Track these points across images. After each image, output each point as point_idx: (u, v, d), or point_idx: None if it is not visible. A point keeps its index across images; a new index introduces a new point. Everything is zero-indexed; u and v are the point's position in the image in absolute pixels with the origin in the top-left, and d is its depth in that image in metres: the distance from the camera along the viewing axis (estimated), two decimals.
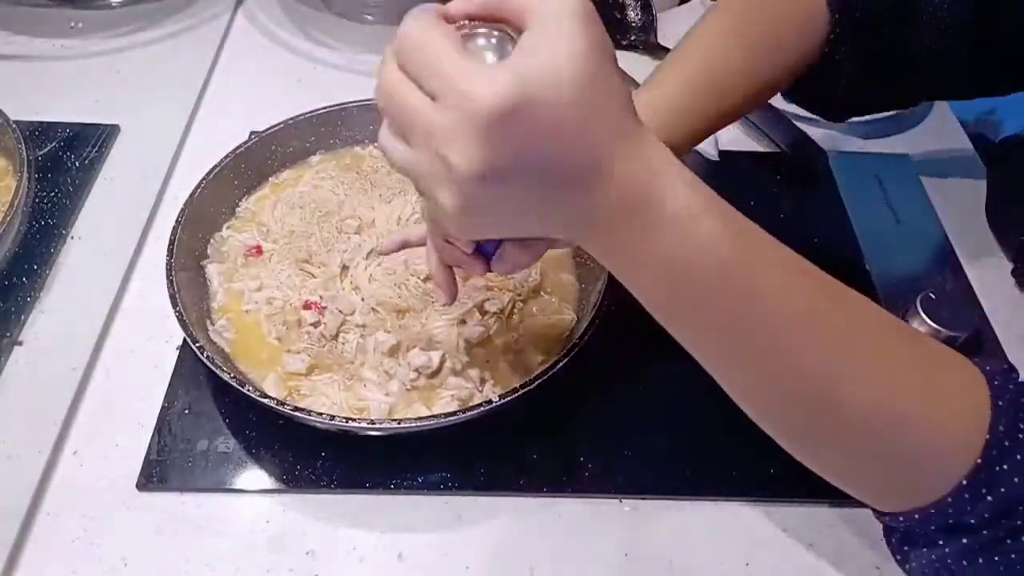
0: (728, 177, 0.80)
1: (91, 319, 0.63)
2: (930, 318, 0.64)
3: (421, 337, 0.59)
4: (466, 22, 0.36)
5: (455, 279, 0.52)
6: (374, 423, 0.52)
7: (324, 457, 0.56)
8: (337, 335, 0.60)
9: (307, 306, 0.61)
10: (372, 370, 0.58)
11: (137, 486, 0.54)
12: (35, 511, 0.53)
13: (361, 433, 0.53)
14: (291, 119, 0.70)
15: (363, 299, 0.62)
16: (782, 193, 0.78)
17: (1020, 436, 0.36)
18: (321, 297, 0.61)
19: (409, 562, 0.52)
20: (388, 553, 0.52)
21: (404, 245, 0.58)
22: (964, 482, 0.36)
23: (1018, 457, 0.36)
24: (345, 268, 0.64)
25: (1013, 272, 0.70)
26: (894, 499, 0.41)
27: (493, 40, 0.36)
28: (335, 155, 0.74)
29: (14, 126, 0.69)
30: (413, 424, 0.52)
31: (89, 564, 0.51)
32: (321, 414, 0.51)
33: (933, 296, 0.65)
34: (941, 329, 0.64)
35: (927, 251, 0.75)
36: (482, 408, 0.51)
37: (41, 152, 0.74)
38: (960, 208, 0.77)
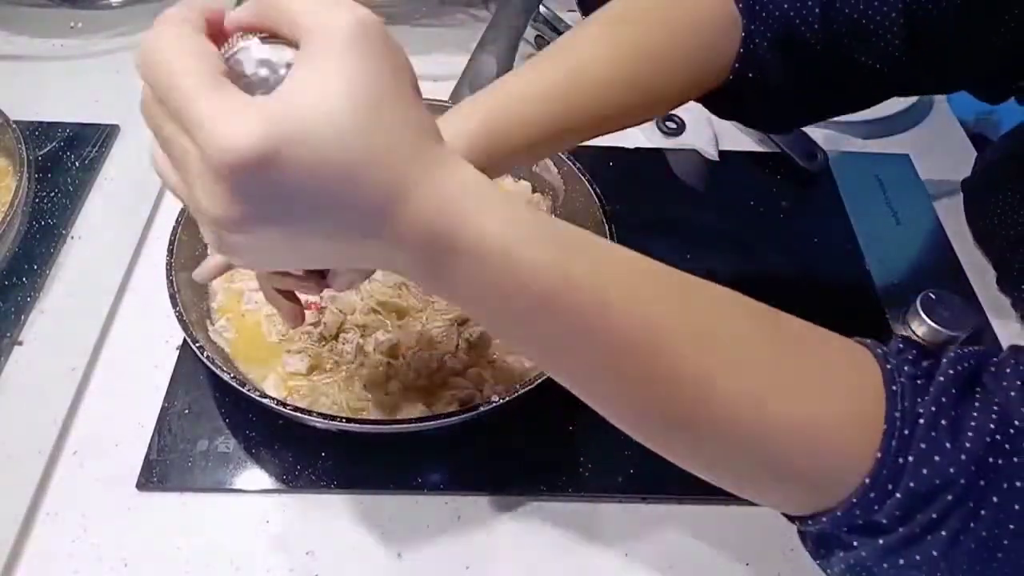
0: (728, 177, 0.80)
1: (91, 319, 0.63)
2: (930, 318, 0.64)
3: (421, 337, 0.59)
4: (239, 34, 0.31)
5: (298, 300, 0.48)
6: (374, 423, 0.52)
7: (324, 457, 0.56)
8: (337, 335, 0.60)
9: (307, 306, 0.61)
10: (372, 370, 0.58)
11: (137, 486, 0.54)
12: (35, 511, 0.53)
13: (361, 433, 0.53)
14: None
15: (363, 299, 0.62)
16: (782, 193, 0.78)
17: (920, 422, 0.33)
18: (321, 297, 0.61)
19: (409, 562, 0.52)
20: (388, 553, 0.52)
21: (227, 268, 0.50)
22: (867, 480, 0.33)
23: (922, 446, 0.33)
24: None
25: (997, 281, 0.70)
26: (796, 504, 0.37)
27: (268, 57, 0.31)
28: None
29: (14, 126, 0.69)
30: (413, 424, 0.52)
31: (89, 564, 0.51)
32: (321, 414, 0.51)
33: (933, 296, 0.65)
34: (941, 329, 0.64)
35: (927, 251, 0.75)
36: (482, 408, 0.51)
37: (41, 152, 0.74)
38: (960, 209, 0.77)
